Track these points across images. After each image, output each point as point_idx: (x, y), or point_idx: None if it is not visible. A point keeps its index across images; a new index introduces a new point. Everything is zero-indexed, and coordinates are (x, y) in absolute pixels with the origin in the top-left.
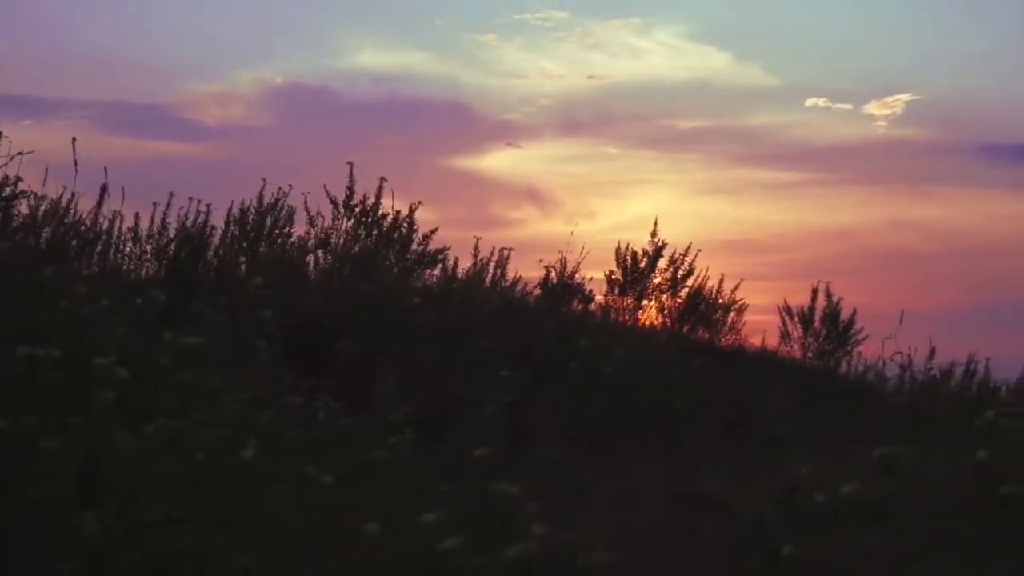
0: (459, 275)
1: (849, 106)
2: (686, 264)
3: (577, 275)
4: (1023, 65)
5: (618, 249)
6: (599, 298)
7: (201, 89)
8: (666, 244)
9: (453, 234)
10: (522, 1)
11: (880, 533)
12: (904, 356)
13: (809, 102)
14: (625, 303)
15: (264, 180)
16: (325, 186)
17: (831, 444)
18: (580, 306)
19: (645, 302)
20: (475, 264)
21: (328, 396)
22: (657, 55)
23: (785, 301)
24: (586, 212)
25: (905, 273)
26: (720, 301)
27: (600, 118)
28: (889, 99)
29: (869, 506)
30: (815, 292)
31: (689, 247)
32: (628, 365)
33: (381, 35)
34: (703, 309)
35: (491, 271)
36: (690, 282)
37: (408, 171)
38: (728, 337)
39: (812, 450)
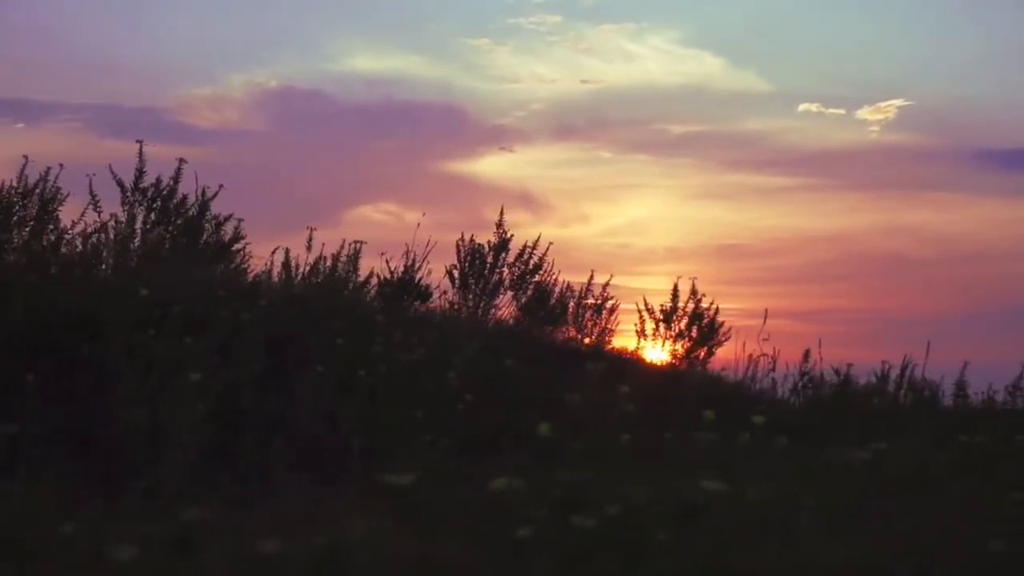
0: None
1: (842, 111)
2: (535, 258)
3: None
4: (1016, 71)
5: (459, 242)
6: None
7: (195, 93)
8: (512, 236)
9: (448, 238)
10: (516, 5)
11: None
12: (770, 358)
13: (802, 107)
14: (467, 301)
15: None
16: (111, 166)
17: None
18: (418, 304)
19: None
20: (317, 260)
21: None
22: (651, 60)
23: (644, 299)
24: (580, 217)
25: (897, 278)
26: (589, 300)
27: (594, 123)
28: (882, 104)
29: None
30: (676, 290)
31: (539, 239)
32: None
33: (375, 39)
34: (553, 306)
35: (325, 267)
36: (538, 277)
37: (402, 175)
38: (597, 337)
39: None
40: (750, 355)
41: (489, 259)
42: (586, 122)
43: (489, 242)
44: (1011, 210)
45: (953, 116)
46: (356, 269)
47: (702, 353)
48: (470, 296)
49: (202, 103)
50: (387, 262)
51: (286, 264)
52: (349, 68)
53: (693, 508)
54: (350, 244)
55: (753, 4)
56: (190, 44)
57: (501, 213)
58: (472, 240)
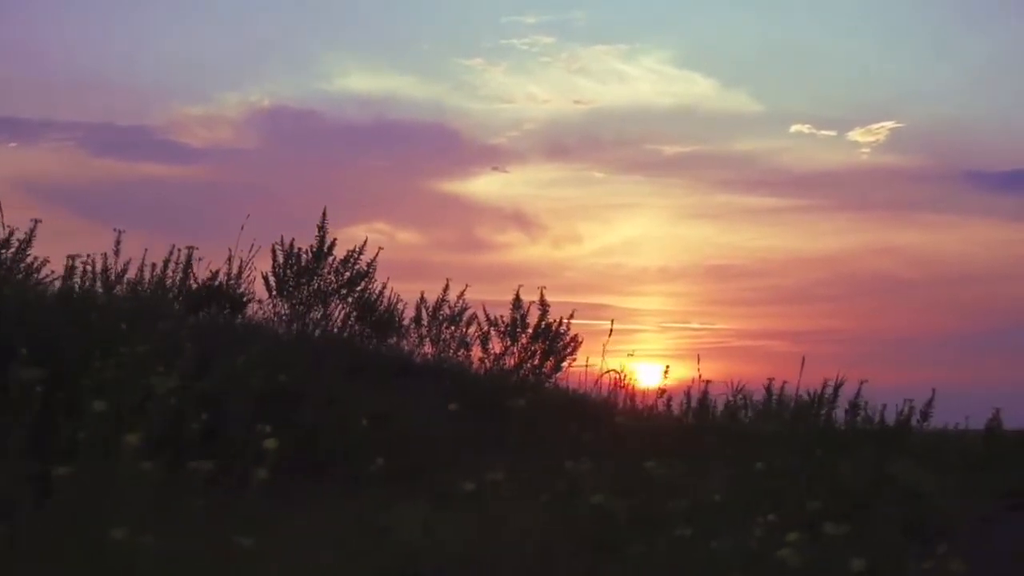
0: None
1: (833, 133)
2: (362, 263)
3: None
4: (1006, 94)
5: (275, 246)
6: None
7: (188, 111)
8: (336, 241)
9: (440, 257)
10: (509, 26)
11: None
12: (619, 374)
13: (794, 128)
14: (281, 308)
15: None
16: None
17: None
18: (226, 312)
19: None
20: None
21: None
22: (643, 81)
23: (484, 308)
24: (572, 236)
25: (886, 299)
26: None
27: (586, 143)
28: (873, 126)
29: None
30: (517, 299)
31: (365, 242)
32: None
33: (367, 59)
34: (381, 316)
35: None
36: (363, 285)
37: (394, 194)
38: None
39: None
40: (607, 371)
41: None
42: (579, 142)
43: (311, 247)
44: (1000, 231)
45: (944, 138)
46: (188, 275)
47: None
48: (287, 304)
49: (195, 122)
50: (190, 268)
51: (70, 269)
52: (342, 87)
53: None
54: (180, 250)
55: (745, 26)
56: (183, 63)
57: (324, 215)
58: (292, 244)
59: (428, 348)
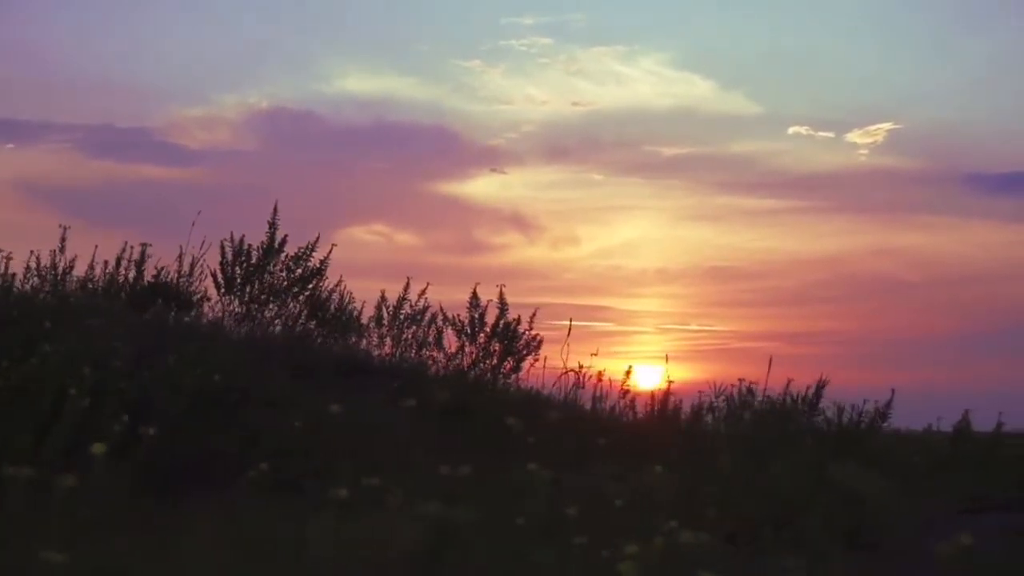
0: None
1: (831, 135)
2: (315, 261)
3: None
4: (1005, 95)
5: (223, 242)
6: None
7: (186, 113)
8: (287, 237)
9: (438, 259)
10: (507, 27)
11: None
12: (578, 375)
13: (792, 130)
14: (231, 307)
15: None
16: None
17: None
18: (173, 312)
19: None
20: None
21: None
22: (642, 82)
23: (440, 306)
24: (571, 238)
25: (886, 300)
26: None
27: (585, 144)
28: (871, 128)
29: None
30: (474, 297)
31: (317, 239)
32: None
33: (366, 60)
34: (333, 315)
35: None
36: (314, 283)
37: (393, 196)
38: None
39: None
40: (565, 371)
41: (255, 260)
42: (577, 144)
43: (261, 243)
44: (999, 233)
45: (942, 140)
46: (141, 273)
47: (508, 366)
48: (236, 302)
49: (193, 123)
50: (132, 265)
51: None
52: (340, 89)
53: None
54: (134, 247)
55: (743, 27)
56: (181, 65)
57: (274, 211)
58: (243, 240)
59: (387, 348)
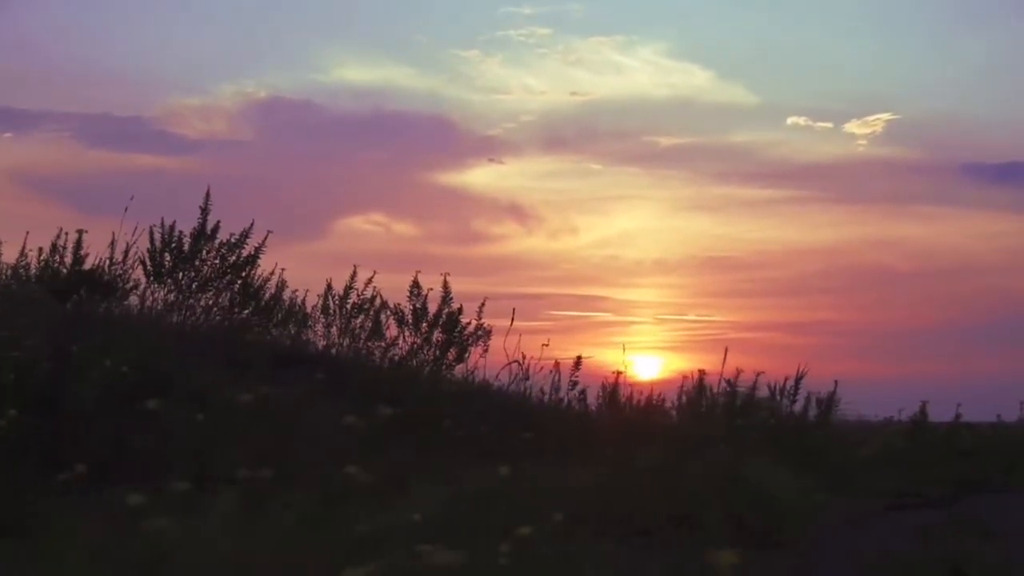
0: None
1: (830, 125)
2: (249, 249)
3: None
4: (1002, 87)
5: (152, 228)
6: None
7: (184, 103)
8: (220, 224)
9: (437, 249)
10: (505, 17)
11: None
12: (522, 365)
13: (790, 120)
14: (159, 295)
15: None
16: None
17: None
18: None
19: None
20: None
21: None
22: (640, 72)
23: (380, 295)
24: (569, 228)
25: (884, 291)
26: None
27: (583, 134)
28: (869, 118)
29: None
30: (415, 286)
31: (252, 225)
32: None
33: (364, 50)
34: (268, 304)
35: None
36: (247, 272)
37: (391, 186)
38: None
39: None
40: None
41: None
42: (575, 134)
43: (193, 230)
44: (997, 223)
45: (941, 130)
46: (78, 260)
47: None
48: (166, 291)
49: (191, 113)
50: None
51: None
52: (338, 79)
53: None
54: (68, 234)
55: (741, 17)
56: (179, 54)
57: (207, 196)
58: (173, 227)
59: (334, 338)
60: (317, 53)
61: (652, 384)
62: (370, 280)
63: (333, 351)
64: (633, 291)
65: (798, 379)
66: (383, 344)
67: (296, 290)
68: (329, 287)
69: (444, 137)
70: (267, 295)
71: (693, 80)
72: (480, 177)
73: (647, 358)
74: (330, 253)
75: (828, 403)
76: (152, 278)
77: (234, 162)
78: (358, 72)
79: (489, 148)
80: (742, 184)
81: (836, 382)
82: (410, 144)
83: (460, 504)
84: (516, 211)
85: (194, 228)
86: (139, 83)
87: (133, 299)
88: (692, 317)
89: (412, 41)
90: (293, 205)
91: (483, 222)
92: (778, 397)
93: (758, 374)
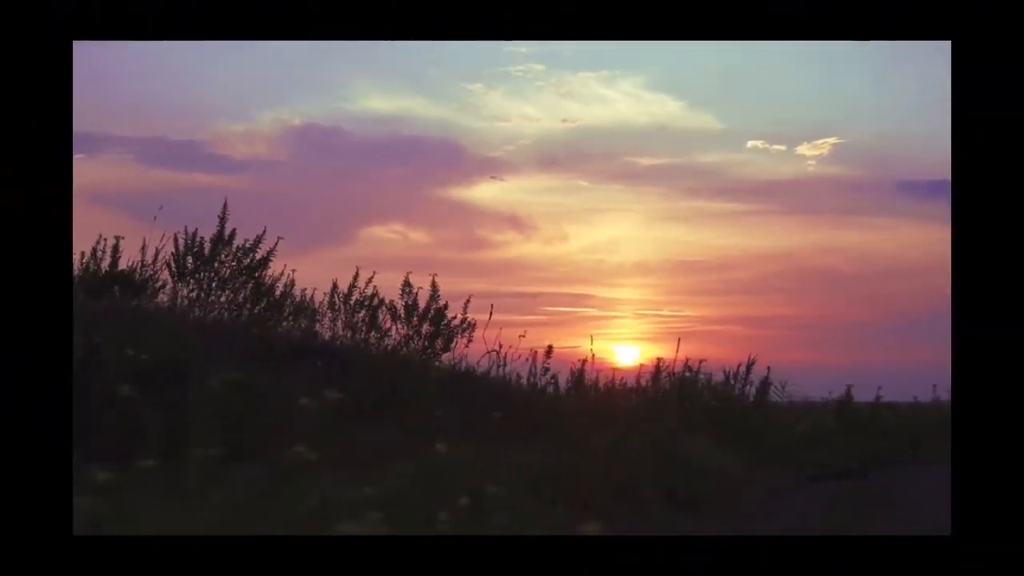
0: None
1: (784, 147)
2: (261, 252)
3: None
4: (933, 113)
5: (176, 235)
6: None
7: (230, 128)
8: (236, 231)
9: (447, 254)
10: (506, 55)
11: None
12: (498, 353)
13: (750, 144)
14: (188, 295)
15: None
16: None
17: None
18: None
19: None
20: None
21: None
22: (622, 103)
23: (377, 292)
24: (561, 236)
25: (831, 290)
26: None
27: (573, 156)
28: (818, 142)
29: None
30: (407, 284)
31: (264, 232)
32: None
33: (385, 83)
34: (278, 300)
35: None
36: (259, 275)
37: (407, 200)
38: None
39: None
40: (489, 350)
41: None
42: (566, 155)
43: (213, 236)
44: (928, 233)
45: (879, 152)
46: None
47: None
48: (187, 289)
49: (236, 138)
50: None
51: None
52: (363, 108)
53: None
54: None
55: (709, 55)
56: (226, 86)
57: (224, 207)
58: (196, 233)
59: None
60: (345, 85)
61: (619, 371)
62: (370, 280)
63: (338, 343)
64: (616, 290)
65: (749, 365)
66: (379, 335)
67: (305, 288)
68: (335, 286)
69: (453, 158)
70: (278, 292)
71: (667, 109)
72: (484, 192)
73: (627, 348)
74: (355, 257)
75: (763, 387)
76: (176, 278)
77: (273, 180)
78: (380, 102)
79: (492, 167)
80: (710, 199)
81: (769, 368)
82: (424, 164)
83: (420, 477)
84: (515, 221)
85: (213, 234)
86: (192, 111)
87: (162, 296)
88: (667, 312)
89: (426, 76)
90: (324, 216)
91: (487, 231)
92: (731, 382)
93: (701, 361)
